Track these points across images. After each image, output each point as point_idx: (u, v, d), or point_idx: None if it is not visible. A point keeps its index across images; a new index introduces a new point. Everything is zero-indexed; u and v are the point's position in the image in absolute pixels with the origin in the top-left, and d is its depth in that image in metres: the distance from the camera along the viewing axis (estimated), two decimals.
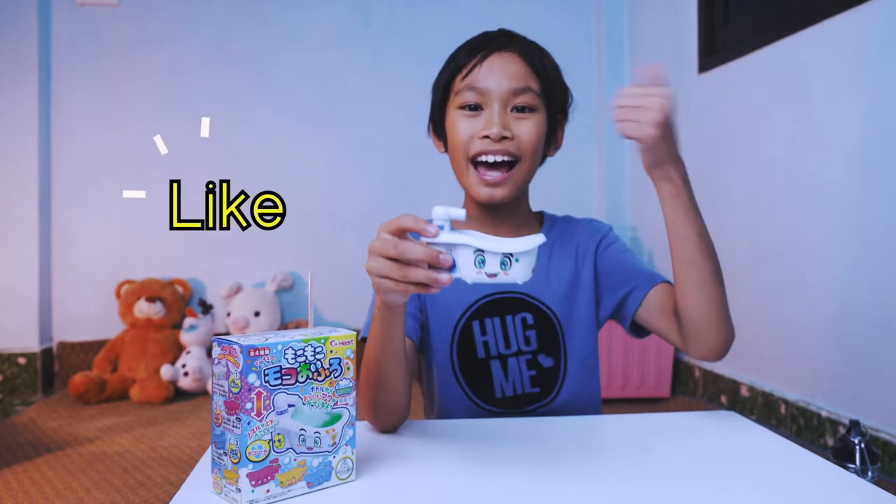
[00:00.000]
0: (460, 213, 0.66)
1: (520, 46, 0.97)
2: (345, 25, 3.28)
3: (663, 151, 0.83)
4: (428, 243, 0.66)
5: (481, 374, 0.99)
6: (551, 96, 0.98)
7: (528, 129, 0.94)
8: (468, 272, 0.65)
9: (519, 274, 0.65)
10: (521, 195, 1.02)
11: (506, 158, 0.93)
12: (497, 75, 0.94)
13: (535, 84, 0.95)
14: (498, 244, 0.64)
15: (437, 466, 0.75)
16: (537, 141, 0.95)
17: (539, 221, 1.07)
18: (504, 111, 0.94)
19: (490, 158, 0.93)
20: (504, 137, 0.93)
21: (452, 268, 0.65)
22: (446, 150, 1.02)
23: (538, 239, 0.65)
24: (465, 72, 0.96)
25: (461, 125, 0.95)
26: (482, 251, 0.64)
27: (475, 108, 0.95)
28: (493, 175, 0.94)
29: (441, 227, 0.66)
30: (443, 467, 0.75)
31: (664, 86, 0.80)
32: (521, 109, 0.94)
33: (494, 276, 0.64)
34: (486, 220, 1.01)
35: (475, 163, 0.95)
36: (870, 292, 1.91)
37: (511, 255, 0.64)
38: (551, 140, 1.02)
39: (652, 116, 0.79)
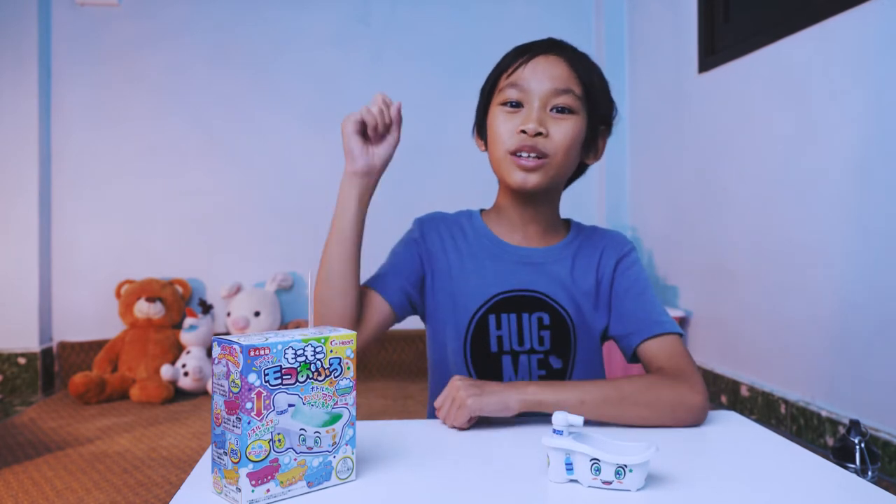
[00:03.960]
0: (578, 420, 0.69)
1: (567, 53, 1.00)
2: (345, 25, 3.28)
3: (493, 408, 0.86)
4: (548, 447, 0.69)
5: (492, 367, 1.01)
6: (593, 104, 1.00)
7: (564, 129, 0.96)
8: (584, 478, 0.68)
9: (633, 483, 0.67)
10: (553, 197, 1.05)
11: (538, 155, 0.96)
12: (540, 76, 0.97)
13: (576, 88, 0.98)
14: (613, 455, 0.67)
15: (437, 466, 0.75)
16: (571, 142, 0.97)
17: (566, 227, 1.09)
18: (543, 110, 0.96)
19: (525, 154, 0.96)
20: (539, 134, 0.95)
21: (569, 470, 0.69)
22: (486, 148, 1.05)
23: (651, 450, 0.67)
24: (510, 71, 0.99)
25: (501, 120, 0.98)
26: (598, 460, 0.67)
27: (516, 105, 0.97)
28: (529, 161, 0.96)
29: (560, 433, 0.69)
30: (443, 467, 0.75)
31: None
32: (560, 110, 0.97)
33: (609, 483, 0.67)
34: (517, 218, 1.04)
35: (512, 155, 0.97)
36: (870, 292, 1.91)
37: (626, 465, 0.66)
38: (591, 148, 1.03)
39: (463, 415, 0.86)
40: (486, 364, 1.01)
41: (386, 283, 1.00)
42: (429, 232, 1.05)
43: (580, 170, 1.07)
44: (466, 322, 1.01)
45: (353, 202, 0.93)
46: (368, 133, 0.92)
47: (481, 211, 1.09)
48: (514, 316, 1.01)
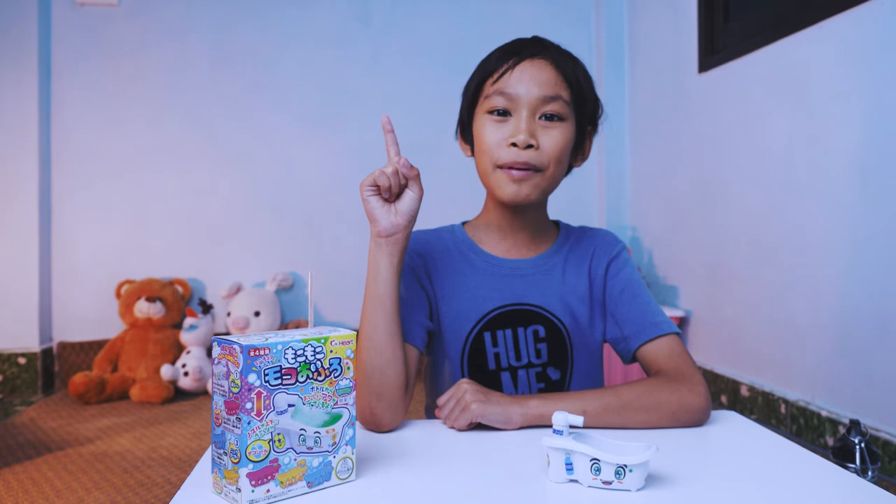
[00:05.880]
0: (578, 420, 0.69)
1: (552, 55, 0.97)
2: (345, 24, 3.28)
3: (495, 418, 0.86)
4: (548, 447, 0.69)
5: (491, 384, 0.99)
6: (581, 106, 0.98)
7: (554, 138, 0.94)
8: (584, 478, 0.68)
9: (633, 483, 0.67)
10: (541, 203, 1.03)
11: (529, 171, 0.93)
12: (527, 82, 0.94)
13: (565, 93, 0.95)
14: (613, 455, 0.67)
15: (437, 466, 0.75)
16: (562, 151, 0.95)
17: (555, 230, 1.07)
18: (532, 118, 0.93)
19: (515, 174, 0.93)
20: (529, 146, 0.92)
21: (569, 470, 0.68)
22: (472, 154, 1.02)
23: (651, 450, 0.67)
24: (496, 76, 0.95)
25: (489, 130, 0.95)
26: (598, 460, 0.67)
27: (504, 113, 0.95)
28: (520, 173, 0.93)
29: (560, 433, 0.69)
30: (443, 467, 0.75)
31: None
32: (549, 118, 0.94)
33: (609, 483, 0.67)
34: (507, 226, 1.02)
35: (501, 168, 0.95)
36: (870, 293, 1.91)
37: (626, 465, 0.66)
38: (578, 150, 1.01)
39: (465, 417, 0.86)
40: (484, 382, 0.99)
41: (406, 328, 0.95)
42: (414, 257, 1.01)
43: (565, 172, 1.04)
44: (462, 341, 1.00)
45: (385, 265, 0.89)
46: (383, 194, 0.88)
47: (464, 223, 1.07)
48: (510, 331, 0.99)
